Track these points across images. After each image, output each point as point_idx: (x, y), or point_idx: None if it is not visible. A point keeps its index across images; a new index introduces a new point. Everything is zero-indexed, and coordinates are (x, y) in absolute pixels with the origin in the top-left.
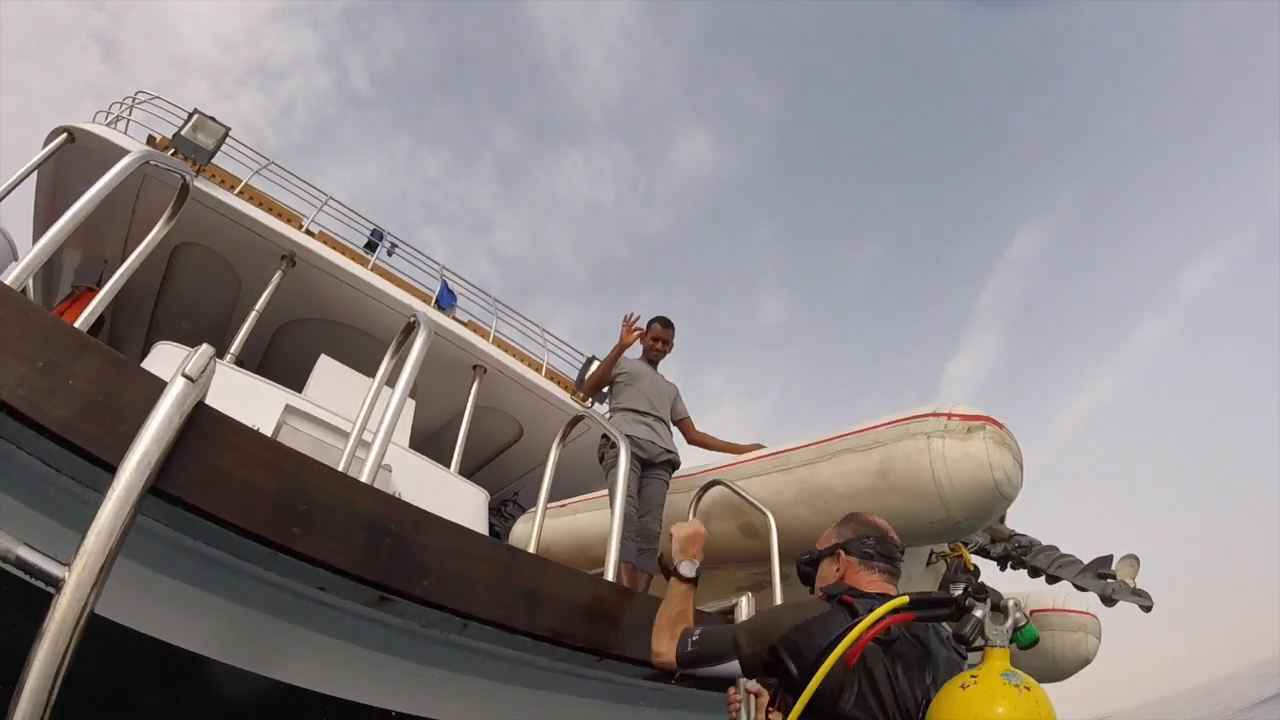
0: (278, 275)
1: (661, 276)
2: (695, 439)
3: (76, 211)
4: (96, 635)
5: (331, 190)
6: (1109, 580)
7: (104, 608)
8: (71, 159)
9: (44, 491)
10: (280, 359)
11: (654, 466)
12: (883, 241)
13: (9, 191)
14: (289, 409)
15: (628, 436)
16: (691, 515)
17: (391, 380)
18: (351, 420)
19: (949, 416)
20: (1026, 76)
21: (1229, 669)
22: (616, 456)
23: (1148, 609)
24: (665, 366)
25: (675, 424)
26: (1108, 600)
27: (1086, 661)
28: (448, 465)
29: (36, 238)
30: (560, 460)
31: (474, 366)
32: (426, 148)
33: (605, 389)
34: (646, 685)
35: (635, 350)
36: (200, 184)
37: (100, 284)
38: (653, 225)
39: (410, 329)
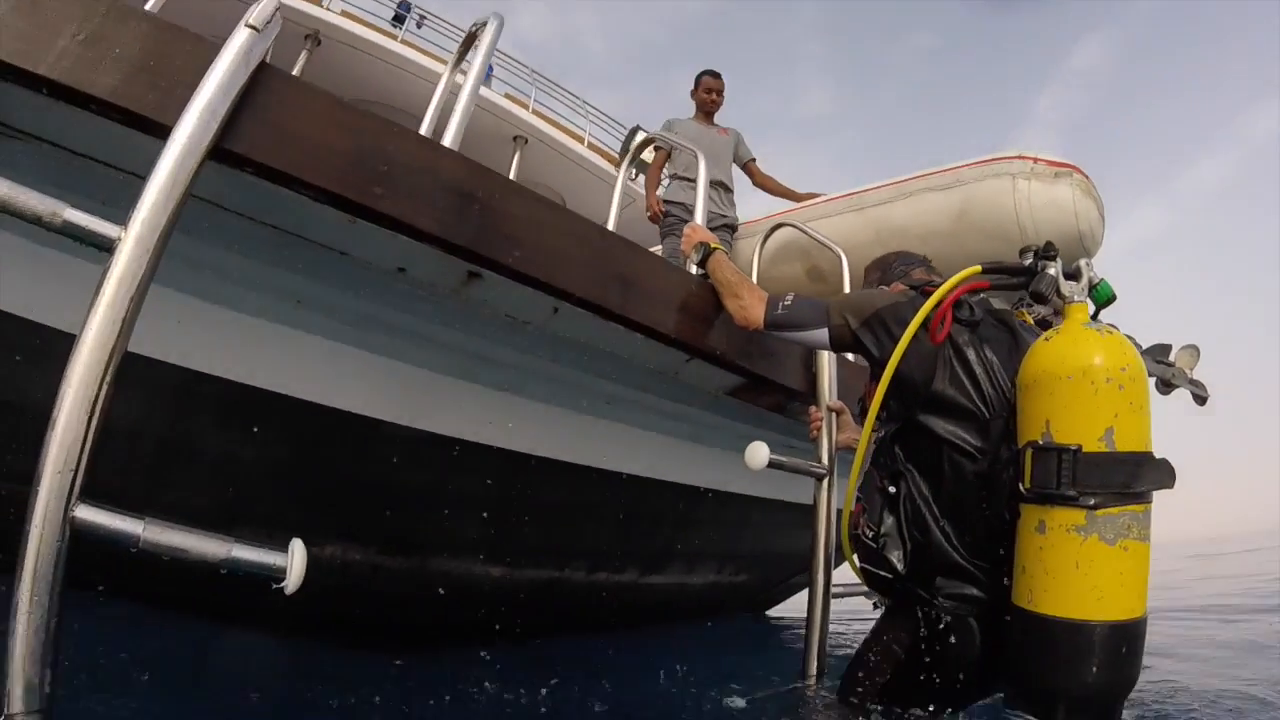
0: (303, 56)
1: (698, 61)
2: (759, 182)
3: None
4: (158, 381)
5: None
6: (1169, 366)
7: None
8: None
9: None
10: None
11: (712, 230)
12: (935, 33)
13: None
14: None
15: (680, 203)
16: (756, 259)
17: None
18: None
19: (1035, 160)
20: None
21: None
22: (675, 220)
23: (1202, 401)
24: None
25: (741, 168)
26: (1166, 385)
27: None
28: None
29: None
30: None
31: (514, 138)
32: None
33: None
34: (721, 421)
35: (689, 109)
36: None
37: None
38: (687, 4)
39: (475, 34)
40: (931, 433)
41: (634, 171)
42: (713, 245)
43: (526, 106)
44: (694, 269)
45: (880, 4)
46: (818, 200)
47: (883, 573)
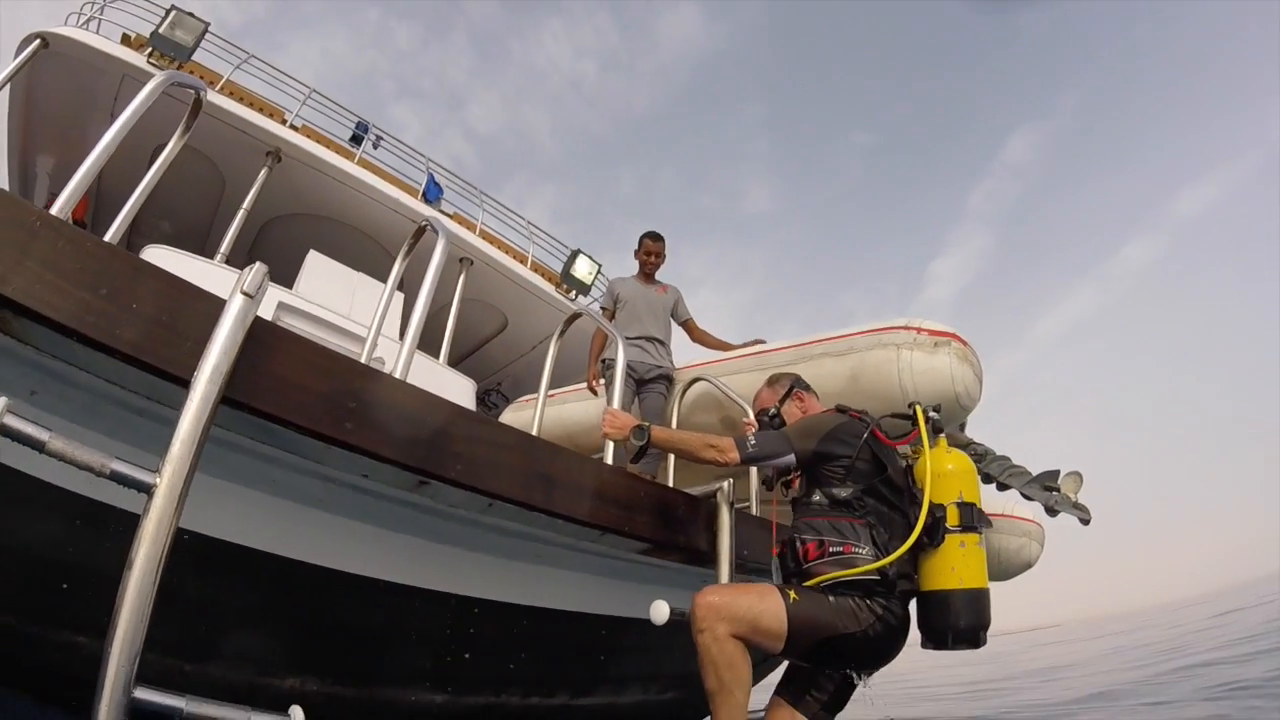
0: (264, 172)
1: (644, 157)
2: (696, 338)
3: (108, 144)
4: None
5: (296, 68)
6: (1054, 492)
7: None
8: (46, 65)
9: (99, 409)
10: (266, 256)
11: (648, 382)
12: (875, 131)
13: None
14: (282, 306)
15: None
16: (676, 409)
17: (403, 284)
18: (342, 314)
19: (918, 331)
20: None
21: (1191, 591)
22: (613, 369)
23: (1086, 523)
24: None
25: (680, 325)
26: (1050, 510)
27: (1029, 565)
28: (435, 356)
29: (11, 147)
30: (545, 352)
31: (460, 259)
32: (396, 18)
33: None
34: (639, 560)
35: (631, 268)
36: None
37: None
38: (636, 104)
39: (420, 233)
40: (883, 495)
41: (573, 293)
42: (646, 424)
43: (474, 229)
44: (632, 450)
45: (823, 103)
46: (730, 355)
47: (868, 577)
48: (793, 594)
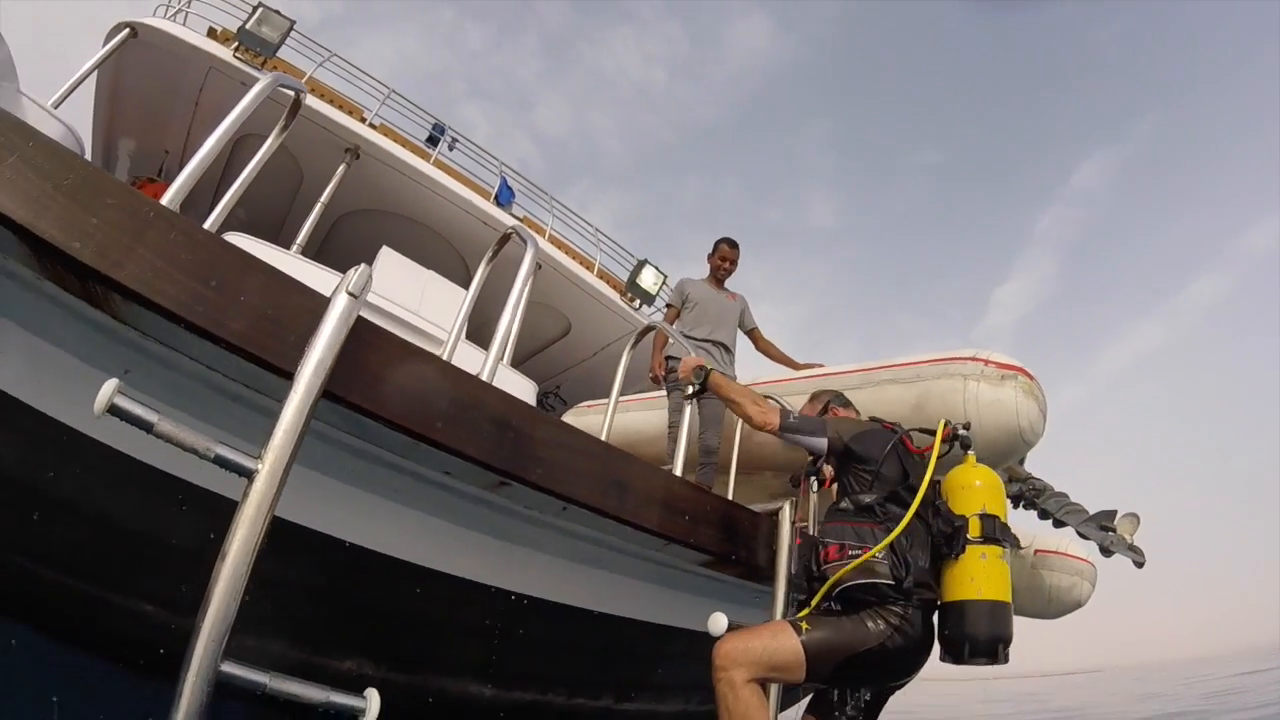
0: (342, 168)
1: (709, 167)
2: (761, 348)
3: (218, 138)
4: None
5: (368, 64)
6: (1109, 533)
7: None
8: (133, 54)
9: (193, 392)
10: (338, 248)
11: None
12: (942, 149)
13: (74, 88)
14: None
15: (680, 358)
16: (740, 425)
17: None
18: (411, 310)
19: (985, 363)
20: None
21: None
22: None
23: (1140, 565)
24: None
25: (745, 333)
26: (1105, 551)
27: (1079, 605)
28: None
29: (96, 127)
30: (606, 358)
31: None
32: (470, 18)
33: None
34: (697, 572)
35: (703, 269)
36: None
37: (161, 175)
38: (703, 113)
39: (505, 240)
40: (906, 503)
41: (637, 302)
42: (708, 367)
43: (543, 233)
44: (689, 391)
45: (889, 119)
46: (799, 375)
47: (884, 582)
48: (804, 625)
